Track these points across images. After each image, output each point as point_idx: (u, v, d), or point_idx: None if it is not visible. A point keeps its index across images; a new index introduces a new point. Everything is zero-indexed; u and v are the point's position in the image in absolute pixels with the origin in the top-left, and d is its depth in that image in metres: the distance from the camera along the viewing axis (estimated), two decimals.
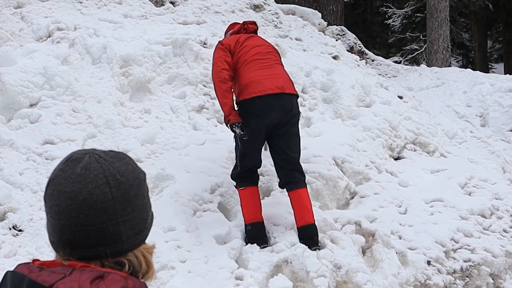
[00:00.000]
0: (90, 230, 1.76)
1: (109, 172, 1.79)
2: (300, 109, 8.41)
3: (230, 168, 7.32)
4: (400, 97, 10.27)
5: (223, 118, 6.81)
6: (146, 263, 1.87)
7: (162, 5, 10.10)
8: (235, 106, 6.67)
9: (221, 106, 6.70)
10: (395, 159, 8.80)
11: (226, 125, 6.68)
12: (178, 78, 8.61)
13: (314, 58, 10.14)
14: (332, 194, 7.57)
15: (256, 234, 6.59)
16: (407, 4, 24.55)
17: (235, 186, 6.83)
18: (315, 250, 6.47)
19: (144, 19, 9.60)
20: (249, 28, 7.40)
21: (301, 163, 6.84)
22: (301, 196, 6.65)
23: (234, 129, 6.54)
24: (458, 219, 7.62)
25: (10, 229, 6.23)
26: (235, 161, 6.93)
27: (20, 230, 6.23)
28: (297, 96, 6.88)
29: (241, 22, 7.59)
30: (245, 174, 6.74)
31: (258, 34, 7.50)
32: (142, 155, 7.34)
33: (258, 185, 6.84)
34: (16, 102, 7.55)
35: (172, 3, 10.17)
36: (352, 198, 7.83)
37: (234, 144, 6.98)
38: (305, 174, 6.88)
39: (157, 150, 7.55)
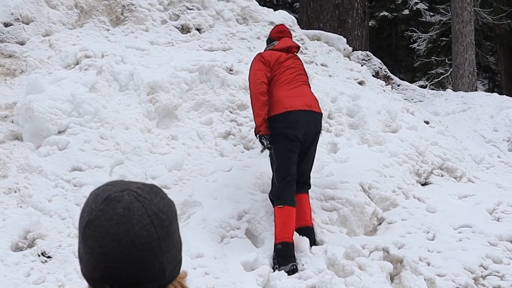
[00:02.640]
0: (137, 270, 1.75)
1: (151, 211, 1.77)
2: (327, 135, 8.47)
3: (257, 194, 7.35)
4: (427, 122, 10.23)
5: (253, 130, 7.21)
6: None
7: (188, 32, 10.17)
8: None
9: (254, 117, 7.06)
10: (422, 185, 8.75)
11: (255, 135, 7.07)
12: (204, 105, 8.65)
13: (340, 83, 10.14)
14: (360, 220, 7.54)
15: (286, 253, 6.63)
16: (432, 28, 24.52)
17: (273, 204, 6.92)
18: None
19: (170, 46, 9.67)
20: (293, 50, 7.65)
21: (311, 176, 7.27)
22: (301, 200, 7.00)
23: (262, 140, 6.94)
24: (487, 245, 7.54)
25: (39, 255, 6.27)
26: (272, 180, 7.10)
27: (49, 257, 6.27)
28: (322, 115, 7.30)
29: (288, 33, 7.91)
30: (283, 191, 6.85)
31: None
32: (169, 182, 7.37)
33: (295, 207, 6.88)
34: (45, 129, 7.63)
35: (198, 30, 10.24)
36: (380, 224, 7.79)
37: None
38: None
39: (184, 176, 7.58)
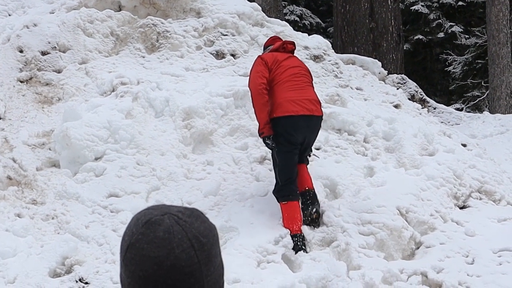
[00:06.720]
0: None
1: (192, 235, 1.77)
2: (363, 158, 8.44)
3: None
4: (464, 145, 10.13)
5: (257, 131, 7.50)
6: None
7: (223, 57, 10.20)
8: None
9: (256, 118, 7.35)
10: (461, 208, 8.63)
11: (259, 136, 7.41)
12: (239, 130, 8.66)
13: (376, 107, 10.09)
14: (397, 244, 7.46)
15: (294, 244, 7.06)
16: (468, 50, 24.36)
17: (278, 201, 7.26)
18: (315, 209, 7.30)
19: (205, 72, 9.70)
20: (288, 47, 7.85)
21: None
22: (300, 169, 7.37)
23: (266, 141, 7.23)
24: None
25: (76, 281, 6.30)
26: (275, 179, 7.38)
27: (86, 283, 6.30)
28: (322, 117, 7.57)
29: (282, 40, 8.14)
30: (286, 188, 7.21)
31: (295, 55, 8.02)
32: (205, 207, 7.37)
33: (299, 201, 7.29)
34: (82, 156, 7.69)
35: (232, 55, 10.26)
36: (418, 248, 7.69)
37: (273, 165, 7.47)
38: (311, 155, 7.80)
39: (220, 201, 7.59)
